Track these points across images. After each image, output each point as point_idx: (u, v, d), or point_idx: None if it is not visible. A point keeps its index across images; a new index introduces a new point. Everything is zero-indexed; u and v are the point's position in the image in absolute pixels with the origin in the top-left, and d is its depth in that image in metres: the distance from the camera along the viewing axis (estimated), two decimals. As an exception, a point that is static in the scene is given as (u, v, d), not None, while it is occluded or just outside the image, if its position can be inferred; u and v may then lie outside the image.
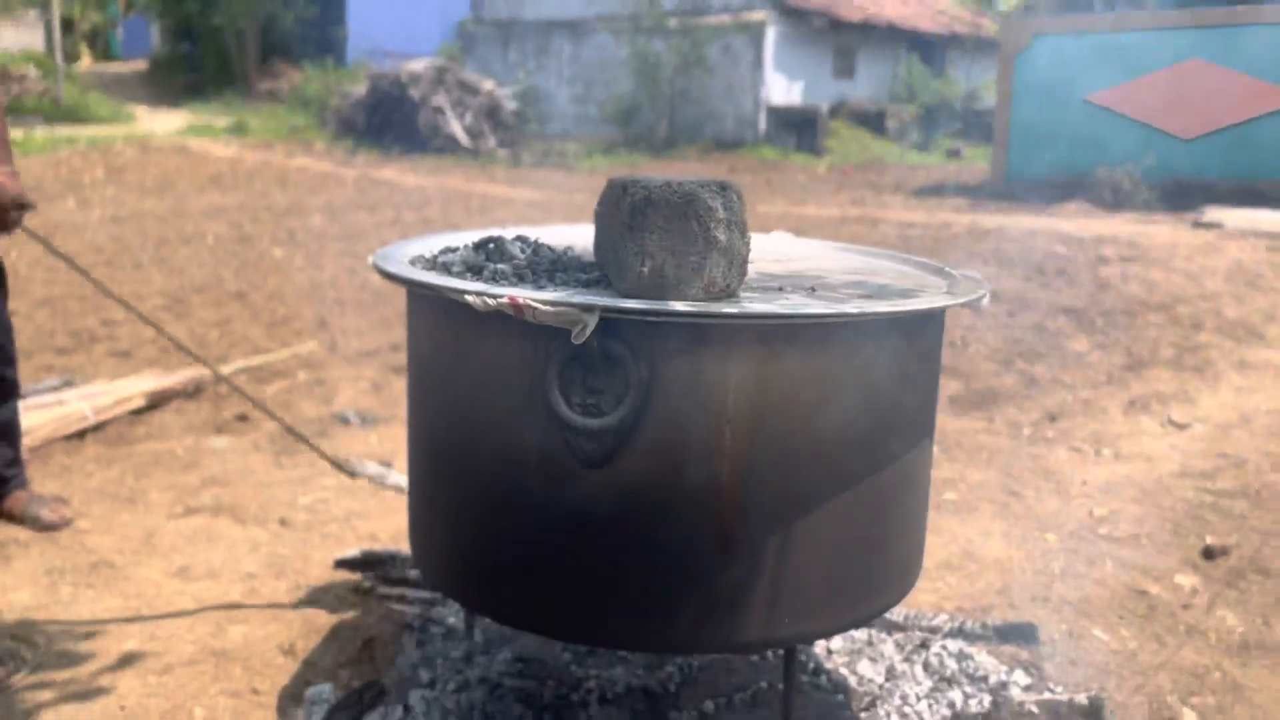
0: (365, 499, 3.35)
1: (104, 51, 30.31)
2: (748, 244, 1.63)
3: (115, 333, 5.36)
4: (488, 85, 18.03)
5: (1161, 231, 9.21)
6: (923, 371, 1.79)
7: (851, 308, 1.62)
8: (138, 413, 4.08)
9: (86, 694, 2.19)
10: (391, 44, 22.41)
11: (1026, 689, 2.22)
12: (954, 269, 2.03)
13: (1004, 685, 2.22)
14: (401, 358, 4.55)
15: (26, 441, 3.52)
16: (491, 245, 1.87)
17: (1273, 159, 11.26)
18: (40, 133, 16.24)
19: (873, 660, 2.31)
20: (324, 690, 2.18)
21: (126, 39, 31.12)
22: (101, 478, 3.46)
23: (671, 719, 2.07)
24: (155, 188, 11.25)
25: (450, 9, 22.85)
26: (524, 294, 1.54)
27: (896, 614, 2.50)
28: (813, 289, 1.78)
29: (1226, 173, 11.31)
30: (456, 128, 16.91)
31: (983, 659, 2.32)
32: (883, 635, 2.42)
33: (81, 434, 3.82)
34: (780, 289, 1.77)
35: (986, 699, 2.16)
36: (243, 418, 4.11)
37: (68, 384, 4.32)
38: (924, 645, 2.36)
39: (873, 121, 19.93)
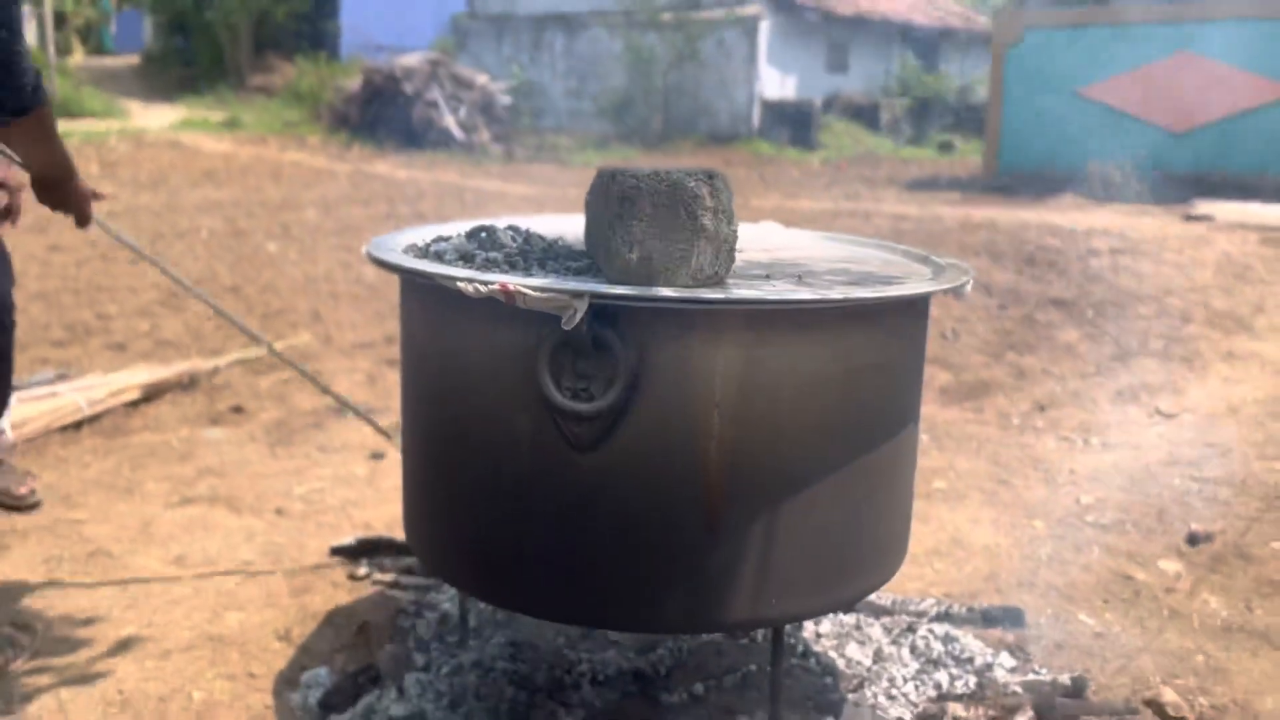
0: (361, 489, 3.38)
1: (97, 46, 30.23)
2: (735, 232, 1.66)
3: (110, 326, 5.38)
4: (481, 80, 18.03)
5: (1152, 224, 9.27)
6: (907, 356, 1.82)
7: (836, 294, 1.65)
8: (133, 405, 4.10)
9: (85, 679, 2.22)
10: (385, 38, 22.39)
11: (1011, 670, 2.26)
12: (939, 257, 2.06)
13: (989, 667, 2.26)
14: (395, 350, 4.58)
15: (24, 432, 3.55)
16: (483, 234, 1.90)
17: (1263, 152, 11.31)
18: (33, 128, 16.14)
19: (860, 643, 2.35)
20: (320, 674, 2.21)
21: (119, 33, 31.03)
22: (98, 468, 3.49)
23: (662, 701, 2.11)
24: (149, 182, 11.25)
25: (444, 3, 22.84)
26: (514, 280, 1.57)
27: (884, 599, 2.53)
28: (799, 276, 1.81)
29: (1217, 166, 11.37)
30: (450, 122, 16.91)
31: (969, 642, 2.35)
32: (870, 619, 2.45)
33: (77, 425, 3.85)
34: (767, 276, 1.80)
35: (972, 680, 2.20)
36: (237, 409, 4.14)
37: (63, 377, 4.34)
38: (911, 629, 2.40)
39: (866, 115, 19.97)
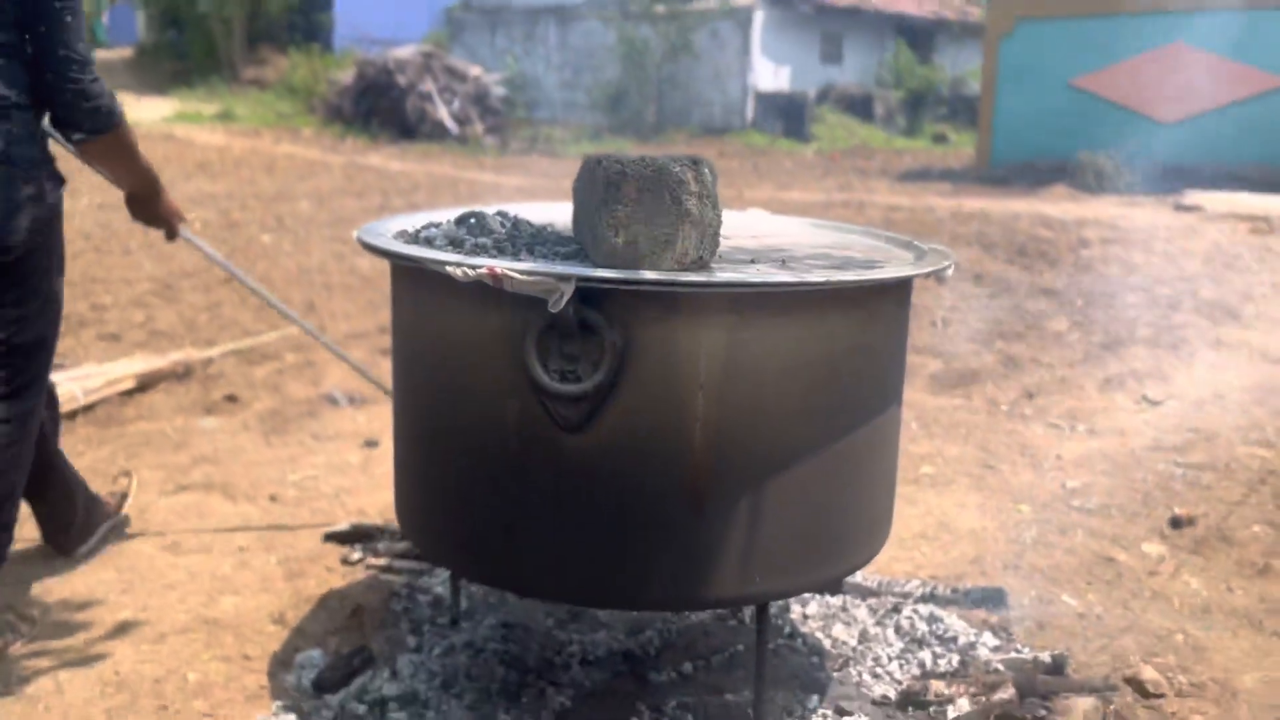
0: (354, 476, 3.41)
1: (90, 39, 30.16)
2: (719, 217, 1.69)
3: (104, 317, 5.40)
4: (475, 71, 18.03)
5: (1142, 214, 9.31)
6: (889, 339, 1.86)
7: (817, 277, 1.68)
8: (128, 394, 4.12)
9: (82, 661, 2.25)
10: (379, 31, 22.37)
11: (994, 649, 2.30)
12: (922, 242, 2.09)
13: (972, 646, 2.29)
14: (389, 340, 4.61)
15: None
16: (472, 220, 1.93)
17: (1253, 143, 11.36)
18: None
19: (846, 624, 2.39)
20: (313, 655, 2.24)
21: (112, 26, 30.92)
22: (92, 457, 3.51)
23: (651, 680, 2.14)
24: (142, 175, 11.22)
25: (437, -5, 22.82)
26: (502, 264, 1.60)
27: (870, 580, 2.57)
28: (782, 261, 1.85)
29: (1208, 156, 11.41)
30: (444, 114, 16.91)
31: (953, 622, 2.39)
32: (857, 601, 2.49)
33: (72, 415, 3.86)
34: (752, 261, 1.83)
35: (955, 659, 2.24)
36: (231, 398, 4.16)
37: (58, 367, 4.36)
38: (896, 609, 2.44)
39: (860, 107, 20.00)
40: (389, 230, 2.01)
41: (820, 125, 18.84)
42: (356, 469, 3.47)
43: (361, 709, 2.03)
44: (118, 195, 2.61)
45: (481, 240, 1.82)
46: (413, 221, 2.12)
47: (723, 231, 1.73)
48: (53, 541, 2.70)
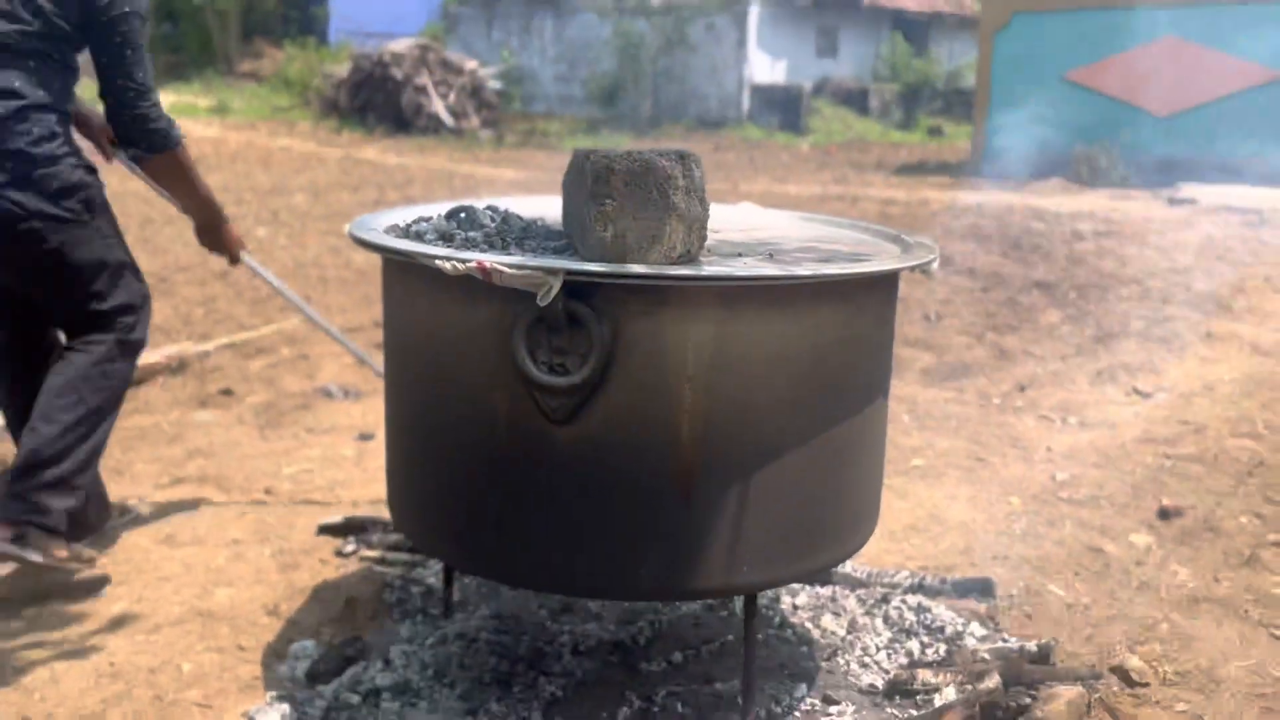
0: (348, 469, 3.43)
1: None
2: (707, 211, 1.71)
3: (99, 311, 5.41)
4: (471, 65, 18.02)
5: (1136, 207, 9.34)
6: (876, 331, 1.87)
7: (803, 270, 1.70)
8: (123, 388, 4.14)
9: (77, 652, 2.27)
10: (374, 24, 22.35)
11: (981, 639, 2.32)
12: (909, 236, 2.11)
13: (959, 635, 2.32)
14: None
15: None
16: (463, 214, 1.95)
17: (1247, 136, 11.38)
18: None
19: (835, 614, 2.41)
20: (307, 646, 2.26)
21: (106, 20, 30.82)
22: (88, 450, 3.52)
23: (642, 670, 2.17)
24: (137, 169, 11.22)
25: (433, -11, 22.78)
26: (491, 258, 1.61)
27: (859, 571, 2.59)
28: (770, 254, 1.86)
29: (1202, 149, 11.44)
30: (440, 108, 16.90)
31: (940, 612, 2.42)
32: (846, 591, 2.51)
33: (68, 409, 3.88)
34: (740, 254, 1.85)
35: (942, 648, 2.26)
36: (227, 392, 4.18)
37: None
38: (884, 600, 2.46)
39: (856, 100, 20.01)
40: (381, 224, 2.03)
41: (816, 119, 18.86)
42: (351, 462, 3.49)
43: (355, 699, 2.05)
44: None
45: (472, 234, 1.84)
46: (404, 216, 2.13)
47: (712, 225, 1.75)
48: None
